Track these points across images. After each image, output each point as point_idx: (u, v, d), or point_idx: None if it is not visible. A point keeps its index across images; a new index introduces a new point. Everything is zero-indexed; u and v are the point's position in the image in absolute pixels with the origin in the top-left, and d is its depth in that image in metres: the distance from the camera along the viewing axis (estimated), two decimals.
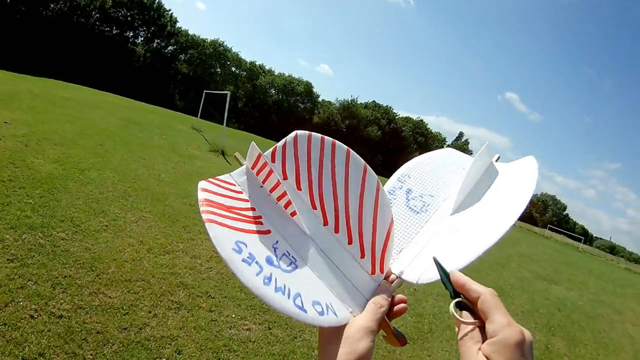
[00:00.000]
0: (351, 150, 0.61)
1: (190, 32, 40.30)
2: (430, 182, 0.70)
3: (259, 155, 0.57)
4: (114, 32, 34.28)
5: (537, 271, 9.94)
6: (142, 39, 37.07)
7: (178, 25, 38.90)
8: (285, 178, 0.60)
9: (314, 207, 0.59)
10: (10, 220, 3.30)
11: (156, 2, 36.09)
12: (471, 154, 0.77)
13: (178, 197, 5.33)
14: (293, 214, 0.57)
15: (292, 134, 0.61)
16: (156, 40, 37.66)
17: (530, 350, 0.41)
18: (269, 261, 0.51)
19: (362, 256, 0.57)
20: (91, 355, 2.24)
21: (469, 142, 62.58)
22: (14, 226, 3.24)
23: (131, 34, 36.08)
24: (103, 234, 3.65)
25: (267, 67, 47.67)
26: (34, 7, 28.16)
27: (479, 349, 0.42)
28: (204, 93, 15.87)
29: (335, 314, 0.50)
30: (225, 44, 42.23)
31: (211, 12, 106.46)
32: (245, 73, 44.97)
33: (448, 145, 60.51)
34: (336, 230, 0.58)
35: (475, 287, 0.46)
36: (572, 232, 50.39)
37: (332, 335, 0.50)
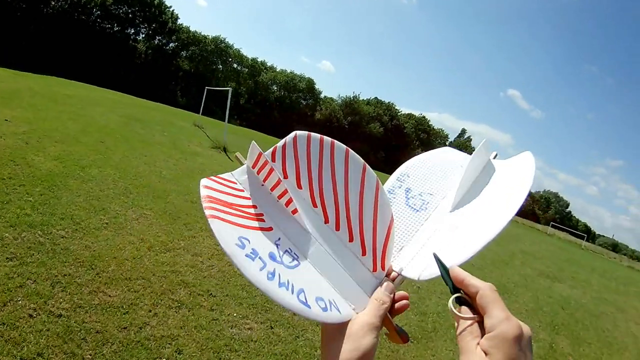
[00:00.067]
0: (350, 149, 0.61)
1: (192, 29, 40.32)
2: (429, 180, 0.70)
3: (260, 154, 0.58)
4: (115, 29, 34.30)
5: (541, 269, 9.89)
6: (144, 35, 37.08)
7: (179, 22, 38.90)
8: (285, 177, 0.60)
9: (315, 206, 0.60)
10: (10, 219, 3.27)
11: None
12: (474, 150, 0.77)
13: (179, 194, 5.30)
14: (294, 211, 0.57)
15: (292, 134, 0.61)
16: (157, 37, 37.66)
17: (528, 345, 0.41)
18: (271, 257, 0.51)
19: (364, 254, 0.58)
20: (90, 355, 2.21)
21: (471, 139, 62.43)
22: (13, 224, 3.21)
23: (132, 31, 36.08)
24: (103, 231, 3.61)
25: (268, 64, 47.72)
26: (35, 4, 28.15)
27: (478, 343, 0.42)
28: (205, 90, 15.83)
29: (339, 311, 0.51)
30: (226, 40, 42.24)
31: (212, 9, 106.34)
32: (247, 70, 44.96)
33: (451, 142, 60.58)
34: (337, 228, 0.59)
35: (473, 282, 0.46)
36: (574, 230, 50.31)
37: (336, 332, 0.50)
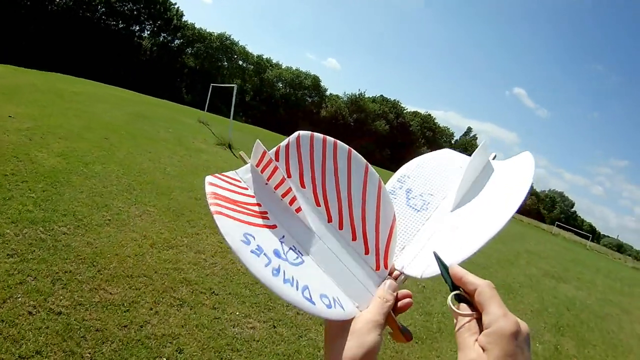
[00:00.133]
0: (352, 149, 0.62)
1: (197, 26, 40.30)
2: (429, 181, 0.72)
3: (264, 153, 0.58)
4: (120, 26, 34.37)
5: (546, 269, 9.81)
6: (149, 32, 37.14)
7: (184, 19, 38.89)
8: (289, 176, 0.61)
9: (318, 204, 0.61)
10: (12, 215, 3.26)
11: None
12: None
13: (183, 191, 5.27)
14: (298, 210, 0.58)
15: (295, 134, 0.62)
16: (162, 34, 37.69)
17: (526, 342, 0.41)
18: (276, 254, 0.52)
19: (367, 252, 0.58)
20: (89, 353, 2.18)
21: (477, 137, 62.08)
22: (15, 220, 3.19)
23: (137, 28, 36.16)
24: (106, 228, 3.59)
25: (274, 61, 47.67)
26: (40, 1, 28.24)
27: (476, 340, 0.42)
28: (210, 86, 15.82)
29: (343, 308, 0.51)
30: (232, 37, 42.22)
31: (217, 6, 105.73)
32: (252, 67, 44.95)
33: (456, 140, 60.29)
34: (340, 227, 0.60)
35: (472, 279, 0.46)
36: (579, 230, 49.87)
37: (339, 330, 0.50)
